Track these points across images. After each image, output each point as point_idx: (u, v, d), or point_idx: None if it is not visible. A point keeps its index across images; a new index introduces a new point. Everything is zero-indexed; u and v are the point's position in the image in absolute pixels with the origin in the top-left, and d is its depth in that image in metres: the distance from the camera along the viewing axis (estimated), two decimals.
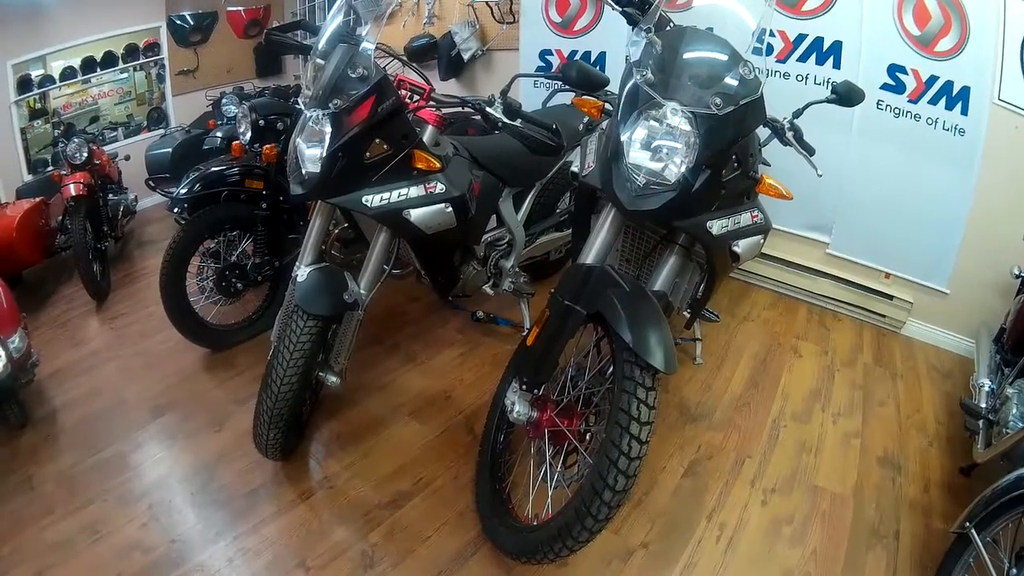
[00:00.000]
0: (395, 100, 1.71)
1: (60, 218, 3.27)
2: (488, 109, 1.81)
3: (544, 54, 3.66)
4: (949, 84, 2.61)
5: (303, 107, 1.73)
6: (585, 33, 3.48)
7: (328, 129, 1.65)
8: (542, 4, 3.55)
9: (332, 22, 1.76)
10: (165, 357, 2.56)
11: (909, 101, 2.69)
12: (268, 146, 2.55)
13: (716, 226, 1.51)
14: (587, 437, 1.65)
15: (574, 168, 1.73)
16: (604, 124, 2.59)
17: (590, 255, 1.59)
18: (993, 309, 2.69)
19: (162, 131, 4.45)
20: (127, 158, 3.86)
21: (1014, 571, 1.34)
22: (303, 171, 1.73)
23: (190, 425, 2.18)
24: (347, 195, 1.73)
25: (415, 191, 1.79)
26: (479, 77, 4.07)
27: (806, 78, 2.85)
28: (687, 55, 1.42)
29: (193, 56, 4.56)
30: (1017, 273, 2.43)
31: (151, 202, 4.31)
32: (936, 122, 2.68)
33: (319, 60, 1.73)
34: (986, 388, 2.11)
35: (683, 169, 1.38)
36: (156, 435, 2.14)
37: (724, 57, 1.42)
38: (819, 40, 2.79)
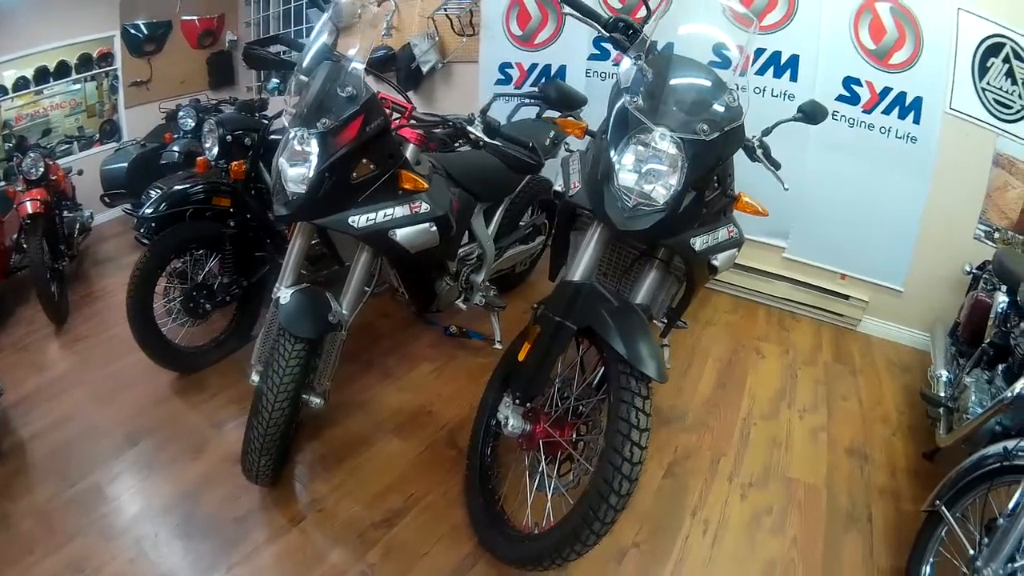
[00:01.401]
0: (384, 120, 1.71)
1: (15, 236, 3.10)
2: (469, 128, 1.82)
3: (504, 67, 3.71)
4: (902, 95, 2.79)
5: (286, 125, 1.71)
6: (546, 46, 3.55)
7: (315, 149, 1.63)
8: (503, 17, 3.60)
9: (317, 40, 1.75)
10: (134, 381, 2.46)
11: (863, 112, 2.85)
12: (236, 163, 2.50)
13: (698, 242, 1.60)
14: (579, 446, 1.70)
15: (557, 187, 1.78)
16: (567, 140, 2.67)
17: (577, 272, 1.65)
18: (946, 304, 2.86)
19: (115, 144, 4.29)
20: (80, 173, 3.69)
21: (985, 540, 1.47)
22: (288, 192, 1.70)
23: (167, 452, 2.11)
24: (333, 216, 1.72)
25: (400, 211, 1.78)
26: (438, 89, 4.07)
27: (764, 91, 2.99)
28: (675, 82, 1.50)
29: (147, 67, 4.44)
30: (968, 270, 2.62)
31: (105, 218, 4.14)
32: (889, 131, 2.86)
33: (303, 77, 1.71)
34: (944, 378, 2.29)
35: (671, 191, 1.45)
36: (133, 464, 2.06)
37: (710, 85, 1.51)
38: (777, 54, 2.94)
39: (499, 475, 1.92)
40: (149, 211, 2.34)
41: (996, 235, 2.81)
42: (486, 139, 1.81)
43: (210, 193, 2.47)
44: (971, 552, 1.49)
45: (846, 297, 3.15)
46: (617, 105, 1.53)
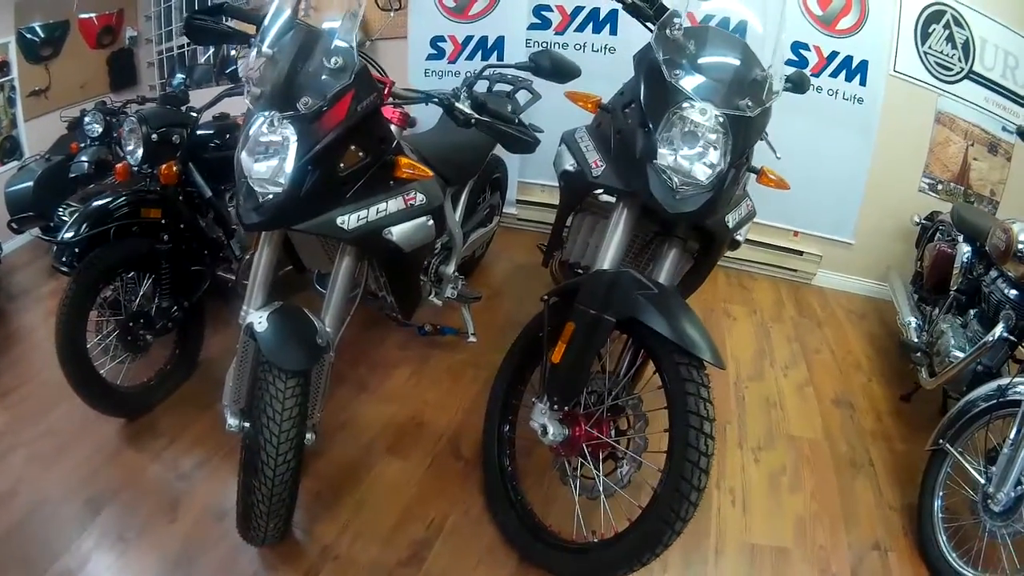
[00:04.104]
0: (376, 96, 1.44)
1: None
2: (457, 104, 1.59)
3: (436, 41, 3.49)
4: (849, 59, 2.92)
5: (251, 107, 1.42)
6: (482, 17, 3.37)
7: (291, 136, 1.35)
8: None
9: (282, 6, 1.46)
10: (77, 434, 2.07)
11: (812, 75, 2.94)
12: (166, 165, 2.15)
13: (731, 220, 1.58)
14: (621, 442, 1.62)
15: (568, 167, 1.64)
16: (520, 117, 2.53)
17: (607, 261, 1.57)
18: (896, 254, 3.07)
19: (17, 163, 3.72)
20: None
21: (992, 468, 1.62)
22: (258, 193, 1.39)
23: (138, 516, 1.78)
24: (318, 218, 1.43)
25: (394, 204, 1.54)
26: None
27: None
28: (715, 57, 1.44)
29: (44, 73, 3.89)
30: (917, 221, 2.81)
31: (12, 246, 3.52)
32: (837, 93, 2.99)
33: (267, 50, 1.41)
34: (913, 325, 2.44)
35: (716, 170, 1.39)
36: (104, 536, 1.72)
37: (747, 60, 1.47)
38: (725, 21, 2.94)
39: (525, 487, 1.80)
40: (69, 235, 1.96)
41: (939, 187, 3.05)
42: (477, 116, 1.61)
43: (137, 205, 2.11)
44: (981, 481, 1.64)
45: (800, 253, 3.30)
46: (648, 77, 1.42)
